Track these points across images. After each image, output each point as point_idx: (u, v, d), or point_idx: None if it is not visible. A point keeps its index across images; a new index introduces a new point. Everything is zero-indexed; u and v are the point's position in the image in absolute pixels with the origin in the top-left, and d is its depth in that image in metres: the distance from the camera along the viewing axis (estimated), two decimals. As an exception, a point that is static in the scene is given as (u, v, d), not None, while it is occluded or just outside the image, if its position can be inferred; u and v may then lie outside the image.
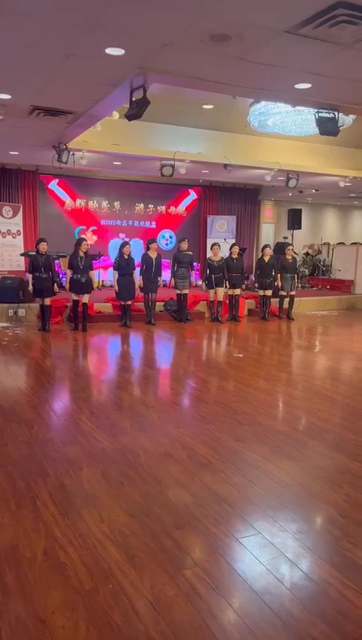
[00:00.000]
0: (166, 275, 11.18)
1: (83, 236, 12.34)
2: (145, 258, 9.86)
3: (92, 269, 9.24)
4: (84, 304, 9.14)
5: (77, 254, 9.07)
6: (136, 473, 3.60)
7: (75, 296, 9.17)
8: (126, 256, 9.57)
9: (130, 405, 5.17)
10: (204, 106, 9.03)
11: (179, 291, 10.25)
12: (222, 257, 10.75)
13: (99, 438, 4.23)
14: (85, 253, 9.13)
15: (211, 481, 3.51)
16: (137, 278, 9.82)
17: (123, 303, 9.74)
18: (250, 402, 5.36)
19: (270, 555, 2.70)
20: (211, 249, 10.90)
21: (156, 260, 9.82)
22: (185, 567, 2.58)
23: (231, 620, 2.23)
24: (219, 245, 10.88)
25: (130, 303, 9.77)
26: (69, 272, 9.14)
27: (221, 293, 10.61)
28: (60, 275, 10.65)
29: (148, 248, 9.98)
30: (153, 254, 9.87)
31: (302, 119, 7.95)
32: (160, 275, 10.01)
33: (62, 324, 9.88)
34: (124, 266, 9.56)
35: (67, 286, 9.18)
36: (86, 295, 9.13)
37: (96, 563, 2.59)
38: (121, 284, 9.57)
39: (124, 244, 9.79)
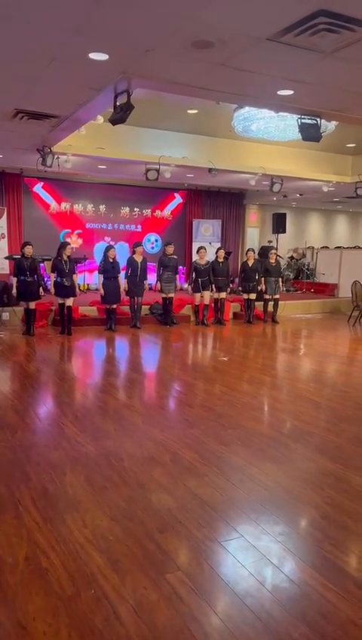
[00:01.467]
0: (151, 279, 11.20)
1: (68, 240, 12.33)
2: (131, 262, 9.85)
3: (75, 273, 9.29)
4: (68, 307, 9.16)
5: (61, 258, 9.08)
6: (120, 477, 3.60)
7: (60, 300, 9.19)
8: (111, 260, 9.56)
9: (115, 409, 5.17)
10: (189, 111, 9.07)
11: (164, 295, 10.26)
12: (208, 261, 10.78)
13: (83, 443, 4.22)
14: (69, 256, 9.16)
15: (195, 484, 3.52)
16: (122, 281, 9.81)
17: (108, 307, 9.73)
18: (234, 406, 5.39)
19: (252, 557, 2.72)
20: (197, 252, 10.92)
21: (141, 263, 9.81)
22: (168, 571, 2.58)
23: (213, 623, 2.24)
24: (205, 249, 10.88)
25: (115, 306, 9.76)
26: (52, 276, 9.16)
27: (207, 296, 10.65)
28: (45, 279, 10.61)
29: (133, 252, 9.99)
30: (138, 258, 9.86)
31: (285, 125, 8.03)
32: (145, 279, 10.01)
33: (46, 327, 9.83)
34: (109, 269, 9.55)
35: (52, 290, 9.19)
36: (70, 298, 9.15)
37: (78, 568, 2.58)
38: (106, 288, 9.56)
39: (109, 247, 9.77)
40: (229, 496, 3.38)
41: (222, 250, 11.28)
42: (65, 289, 9.07)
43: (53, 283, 9.11)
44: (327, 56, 4.44)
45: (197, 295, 10.69)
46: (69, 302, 9.16)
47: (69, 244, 9.46)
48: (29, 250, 8.89)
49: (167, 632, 2.18)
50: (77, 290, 9.34)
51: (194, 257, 15.09)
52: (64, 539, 2.83)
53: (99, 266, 9.92)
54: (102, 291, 9.59)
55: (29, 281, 8.85)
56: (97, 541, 2.81)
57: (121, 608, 2.31)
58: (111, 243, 14.41)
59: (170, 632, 2.18)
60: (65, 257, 9.08)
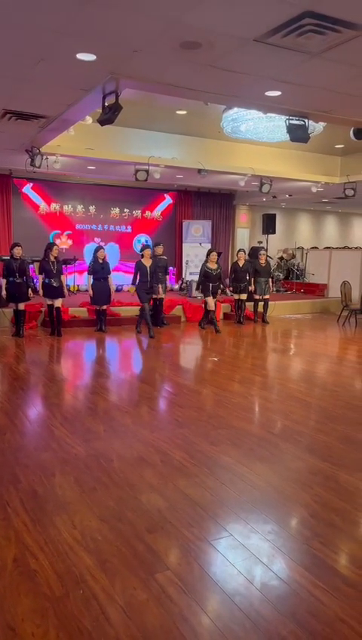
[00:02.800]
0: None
1: (57, 241, 12.30)
2: (139, 266, 9.27)
3: (63, 274, 9.26)
4: (57, 308, 9.10)
5: (48, 259, 9.05)
6: (110, 478, 3.59)
7: (48, 301, 9.16)
8: (100, 261, 9.53)
9: (105, 410, 5.16)
10: (178, 112, 9.08)
11: (154, 296, 10.24)
12: (218, 265, 10.28)
13: (73, 444, 4.21)
14: (56, 257, 9.11)
15: (185, 484, 3.52)
16: (113, 282, 9.78)
17: (98, 308, 9.70)
18: (224, 406, 5.40)
19: (241, 556, 2.72)
20: (208, 256, 10.25)
21: (151, 267, 9.28)
22: (157, 571, 2.58)
23: (202, 623, 2.25)
24: (216, 252, 10.40)
25: (105, 307, 9.73)
26: (41, 277, 9.11)
27: (213, 302, 10.20)
28: (34, 280, 10.56)
29: (141, 255, 9.43)
30: (147, 262, 9.29)
31: (274, 125, 8.06)
32: (158, 282, 9.67)
33: (36, 329, 9.79)
34: (98, 270, 9.52)
35: (40, 291, 9.14)
36: (59, 299, 9.11)
37: (67, 569, 2.58)
38: (95, 289, 9.53)
39: (98, 248, 9.72)
40: (219, 495, 3.39)
41: (243, 252, 11.24)
42: (53, 290, 9.03)
43: (42, 284, 9.06)
44: (314, 58, 4.47)
45: (210, 299, 10.08)
46: (58, 303, 9.10)
47: (56, 245, 9.40)
48: (18, 252, 8.84)
49: (157, 632, 2.18)
50: (65, 291, 9.31)
51: (186, 259, 15.27)
52: (53, 540, 2.82)
53: (88, 266, 9.87)
54: (91, 292, 9.52)
55: (18, 282, 8.78)
56: (86, 542, 2.81)
57: (110, 609, 2.31)
58: (102, 244, 14.41)
59: (160, 632, 2.18)
60: (52, 258, 9.05)
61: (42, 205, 13.59)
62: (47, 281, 9.01)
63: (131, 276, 14.12)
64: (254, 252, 13.51)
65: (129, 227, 14.79)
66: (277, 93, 5.45)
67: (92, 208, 14.18)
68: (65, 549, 2.74)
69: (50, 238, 13.35)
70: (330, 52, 4.33)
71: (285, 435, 4.60)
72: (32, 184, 13.24)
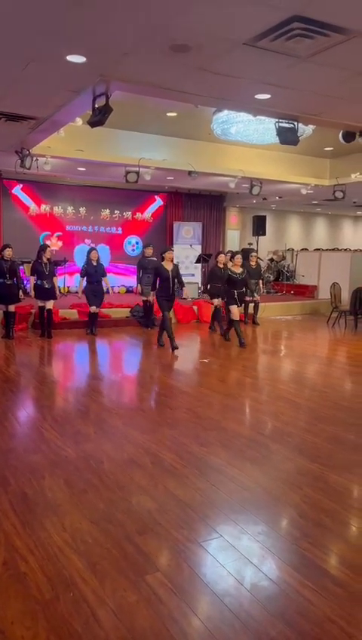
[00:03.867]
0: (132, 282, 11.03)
1: (47, 242, 12.23)
2: (159, 271, 8.21)
3: (55, 275, 9.17)
4: (49, 310, 9.02)
5: (41, 260, 8.97)
6: (100, 480, 3.59)
7: (40, 303, 9.08)
8: (94, 263, 9.38)
9: (95, 412, 5.15)
10: (168, 114, 9.10)
11: (145, 297, 10.24)
12: (244, 269, 8.98)
13: (63, 446, 4.20)
14: (48, 259, 9.04)
15: (175, 486, 3.53)
16: (109, 284, 9.65)
17: (91, 311, 9.58)
18: (215, 407, 5.41)
19: (231, 557, 2.73)
20: (232, 259, 8.94)
21: (173, 271, 8.19)
22: (147, 572, 2.59)
23: (192, 624, 2.25)
24: (240, 255, 9.03)
25: (97, 310, 9.66)
26: (32, 279, 9.05)
27: (238, 312, 8.89)
28: (25, 282, 10.50)
29: (162, 258, 8.32)
30: (169, 265, 8.20)
31: (264, 128, 8.11)
32: (181, 287, 8.44)
33: (26, 331, 9.75)
34: (91, 273, 9.35)
35: (32, 293, 9.08)
36: (51, 301, 9.03)
37: (57, 572, 2.57)
38: (86, 292, 9.41)
39: (91, 249, 9.59)
40: (209, 497, 3.40)
41: (255, 255, 10.99)
42: (45, 292, 8.96)
43: (33, 286, 9.00)
44: (303, 61, 4.50)
45: (235, 309, 8.78)
46: (50, 305, 9.02)
47: (49, 246, 9.31)
48: (8, 253, 8.78)
49: (147, 634, 2.18)
50: (57, 292, 9.24)
51: (176, 260, 15.21)
52: (43, 543, 2.82)
53: (81, 269, 9.77)
54: (80, 294, 9.44)
55: (9, 284, 8.70)
56: (76, 544, 2.81)
57: (100, 611, 2.31)
58: (92, 245, 14.38)
59: (150, 634, 2.18)
60: (45, 260, 8.97)
61: (32, 206, 13.54)
62: (39, 282, 8.93)
63: (121, 278, 14.38)
64: (245, 254, 13.54)
65: (119, 229, 14.77)
66: (267, 96, 5.49)
67: (82, 210, 14.15)
68: (55, 552, 2.74)
69: (41, 239, 13.29)
70: (319, 56, 4.37)
71: (275, 436, 4.62)
72: (21, 185, 13.19)
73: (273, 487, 3.58)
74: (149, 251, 10.32)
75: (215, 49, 4.29)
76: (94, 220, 14.37)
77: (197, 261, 13.89)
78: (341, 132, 7.02)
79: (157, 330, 8.88)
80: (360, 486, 3.67)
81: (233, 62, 4.56)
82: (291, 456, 4.15)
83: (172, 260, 8.33)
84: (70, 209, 14.01)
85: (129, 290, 13.60)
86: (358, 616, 2.32)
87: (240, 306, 9.14)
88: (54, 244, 13.86)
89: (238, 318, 8.83)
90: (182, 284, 8.39)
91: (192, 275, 14.46)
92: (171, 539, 2.89)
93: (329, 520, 3.14)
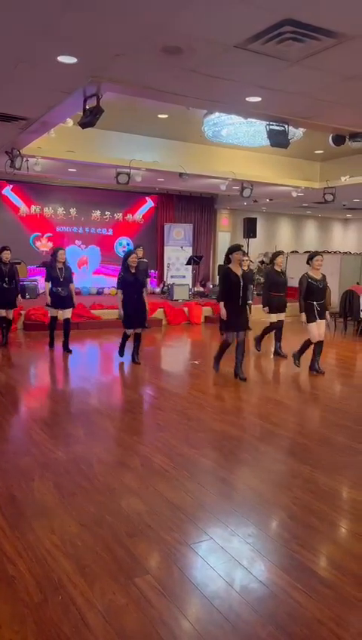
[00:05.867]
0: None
1: (36, 243, 12.13)
2: (230, 278, 6.35)
3: (72, 282, 8.14)
4: (66, 320, 8.07)
5: (55, 265, 7.98)
6: (90, 483, 3.57)
7: (53, 312, 8.15)
8: (60, 266, 7.97)
9: (85, 414, 5.13)
10: (159, 116, 9.10)
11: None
12: (324, 275, 6.97)
13: (53, 449, 4.18)
14: (64, 263, 8.04)
15: (165, 488, 3.52)
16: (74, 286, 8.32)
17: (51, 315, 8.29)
18: (205, 409, 5.41)
19: (221, 559, 2.73)
20: (312, 261, 6.81)
21: (244, 277, 6.43)
22: (137, 575, 2.58)
23: (182, 626, 2.25)
24: (321, 255, 6.96)
25: (61, 315, 8.16)
26: (47, 285, 8.04)
27: (323, 328, 7.04)
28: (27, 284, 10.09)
29: (228, 260, 6.53)
30: (238, 269, 6.41)
31: (254, 130, 8.13)
32: (249, 297, 6.86)
33: (15, 331, 9.67)
34: (55, 277, 7.97)
35: (48, 299, 8.00)
36: (68, 310, 8.10)
37: (45, 575, 2.56)
38: (52, 297, 8.01)
39: (58, 249, 8.17)
40: (199, 499, 3.39)
41: (281, 256, 8.51)
42: (60, 299, 7.96)
43: (49, 293, 7.97)
44: (294, 65, 4.52)
45: (314, 327, 6.89)
46: (67, 314, 8.06)
47: (62, 249, 8.26)
48: (6, 256, 8.10)
49: (136, 637, 2.17)
50: (75, 300, 8.25)
51: (167, 262, 15.28)
52: (31, 546, 2.80)
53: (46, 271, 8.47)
54: (48, 299, 8.01)
55: (7, 287, 8.07)
56: (65, 547, 2.79)
57: (90, 614, 2.29)
58: (82, 247, 14.36)
59: (139, 637, 2.17)
60: (59, 264, 7.95)
61: (22, 207, 13.48)
62: (54, 289, 7.96)
63: (112, 279, 14.30)
64: (273, 256, 13.47)
65: (110, 230, 14.75)
66: (258, 99, 5.50)
67: (73, 211, 14.11)
68: (44, 555, 2.72)
69: (31, 240, 13.25)
70: (309, 59, 4.38)
71: (265, 437, 4.63)
72: (12, 186, 13.13)
73: (263, 488, 3.59)
74: (140, 253, 10.29)
75: (206, 51, 4.30)
76: (85, 221, 14.34)
77: (188, 262, 13.91)
78: (331, 135, 7.06)
79: (148, 331, 8.45)
80: (350, 488, 3.68)
81: (224, 64, 4.57)
82: (281, 458, 4.16)
83: (239, 263, 6.48)
84: (60, 210, 13.97)
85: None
86: (347, 618, 2.32)
87: (317, 320, 6.88)
88: (44, 246, 13.83)
89: (318, 339, 6.95)
90: (246, 296, 6.46)
91: (183, 276, 14.48)
92: (161, 541, 2.88)
93: (319, 522, 3.15)
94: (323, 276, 6.87)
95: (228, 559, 2.74)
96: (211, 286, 15.32)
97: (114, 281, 14.19)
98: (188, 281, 14.21)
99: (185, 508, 3.26)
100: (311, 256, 6.89)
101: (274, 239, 18.77)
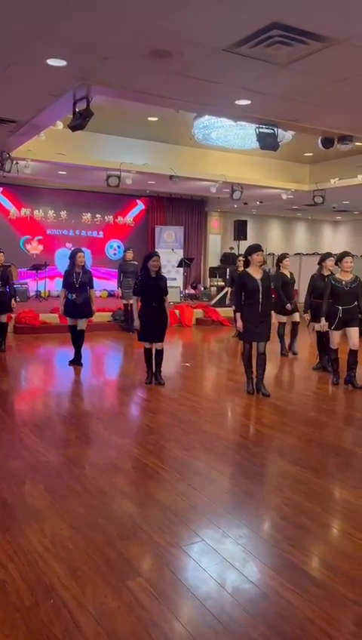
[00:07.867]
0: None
1: (26, 246, 11.99)
2: (247, 280, 5.78)
3: (92, 287, 7.28)
4: (80, 331, 7.22)
5: (72, 270, 7.14)
6: (81, 485, 3.56)
7: (71, 321, 7.29)
8: (78, 270, 7.24)
9: (76, 417, 5.12)
10: (149, 118, 9.13)
11: (125, 301, 10.21)
12: (357, 276, 6.32)
13: (44, 452, 4.16)
14: (82, 267, 7.19)
15: (156, 490, 3.52)
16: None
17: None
18: (196, 410, 5.42)
19: (212, 561, 2.74)
20: (341, 262, 6.25)
21: (265, 282, 5.79)
22: (129, 577, 2.57)
23: (174, 628, 2.25)
24: (351, 256, 6.25)
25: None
26: (63, 292, 7.26)
27: (356, 336, 6.29)
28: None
29: (246, 262, 6.10)
30: (257, 273, 5.79)
31: (244, 133, 8.18)
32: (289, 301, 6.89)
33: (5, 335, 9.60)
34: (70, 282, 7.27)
35: (61, 308, 7.28)
36: (83, 320, 7.19)
37: (37, 578, 2.54)
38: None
39: (76, 251, 7.39)
40: (191, 500, 3.39)
41: (287, 260, 8.57)
42: (75, 308, 7.13)
43: (64, 301, 7.22)
44: (282, 68, 4.56)
45: (337, 335, 6.38)
46: (82, 324, 7.19)
47: (80, 251, 7.35)
48: (0, 258, 7.95)
49: (128, 639, 2.17)
50: (94, 308, 7.34)
51: (181, 265, 15.18)
52: (22, 549, 2.78)
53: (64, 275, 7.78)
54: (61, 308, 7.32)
55: (1, 291, 7.82)
56: (57, 550, 2.78)
57: (81, 617, 2.29)
58: (74, 248, 14.31)
59: (131, 639, 2.17)
60: (77, 269, 7.13)
61: (12, 210, 13.44)
62: (69, 297, 7.12)
63: (103, 282, 14.29)
64: (226, 258, 13.62)
65: (101, 232, 14.74)
66: (247, 102, 5.54)
67: (63, 213, 14.09)
68: (35, 558, 2.71)
69: (21, 243, 13.20)
70: (298, 63, 4.43)
71: (256, 438, 4.65)
72: (1, 189, 13.09)
73: (254, 489, 3.60)
74: (130, 255, 10.31)
75: (195, 55, 4.32)
76: (75, 223, 14.32)
77: (179, 265, 13.93)
78: (320, 138, 7.12)
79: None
80: (341, 488, 3.70)
81: (213, 68, 4.60)
82: (272, 458, 4.18)
83: (259, 265, 5.83)
84: (51, 213, 13.94)
85: (110, 294, 13.57)
86: (338, 617, 2.34)
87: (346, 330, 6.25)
88: (35, 248, 13.79)
89: (336, 347, 6.48)
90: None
91: (174, 279, 14.48)
92: (153, 543, 2.88)
93: (309, 521, 3.16)
94: (355, 277, 6.22)
95: (219, 560, 2.74)
96: (202, 288, 15.37)
97: (105, 283, 14.25)
98: (180, 283, 14.23)
99: (177, 510, 3.26)
100: (341, 257, 6.31)
101: (265, 241, 18.83)
